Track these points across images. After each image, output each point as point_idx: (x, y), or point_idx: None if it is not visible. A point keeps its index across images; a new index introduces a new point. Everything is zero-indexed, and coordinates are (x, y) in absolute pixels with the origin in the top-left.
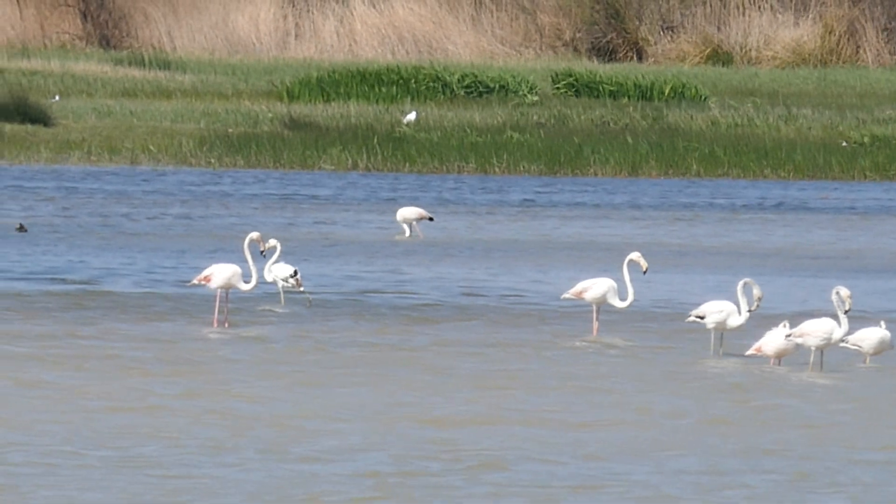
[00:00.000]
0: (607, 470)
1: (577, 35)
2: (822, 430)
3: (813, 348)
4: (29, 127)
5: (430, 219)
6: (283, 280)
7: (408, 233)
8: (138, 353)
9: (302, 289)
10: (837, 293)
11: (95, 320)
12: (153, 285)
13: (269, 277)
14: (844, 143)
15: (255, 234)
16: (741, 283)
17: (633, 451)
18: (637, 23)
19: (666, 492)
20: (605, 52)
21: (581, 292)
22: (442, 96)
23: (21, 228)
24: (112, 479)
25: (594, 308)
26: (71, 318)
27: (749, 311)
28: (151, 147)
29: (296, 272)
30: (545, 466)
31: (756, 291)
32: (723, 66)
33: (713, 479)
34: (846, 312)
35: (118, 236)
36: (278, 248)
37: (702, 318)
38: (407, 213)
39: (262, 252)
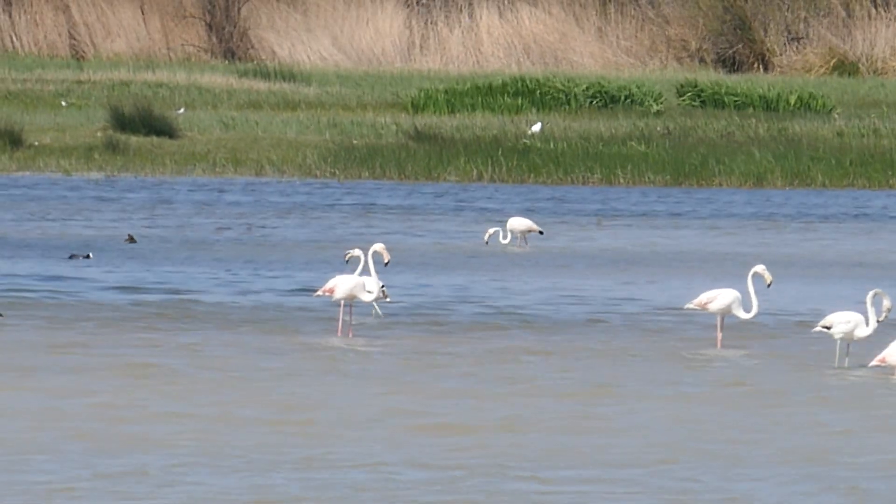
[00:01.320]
0: (747, 475)
1: (703, 46)
2: None
3: None
4: (154, 139)
5: (541, 232)
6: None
7: (507, 240)
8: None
9: (388, 299)
10: None
11: (221, 333)
12: (260, 296)
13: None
14: None
15: (378, 246)
16: (871, 293)
17: (781, 461)
18: (763, 33)
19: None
20: (731, 63)
21: (706, 303)
22: (567, 107)
23: (130, 239)
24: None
25: (718, 319)
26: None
27: (878, 321)
28: (275, 159)
29: (382, 286)
30: (686, 483)
31: (886, 302)
32: (848, 76)
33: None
34: None
35: (235, 247)
36: (362, 258)
37: (828, 328)
38: (517, 223)
39: (385, 263)
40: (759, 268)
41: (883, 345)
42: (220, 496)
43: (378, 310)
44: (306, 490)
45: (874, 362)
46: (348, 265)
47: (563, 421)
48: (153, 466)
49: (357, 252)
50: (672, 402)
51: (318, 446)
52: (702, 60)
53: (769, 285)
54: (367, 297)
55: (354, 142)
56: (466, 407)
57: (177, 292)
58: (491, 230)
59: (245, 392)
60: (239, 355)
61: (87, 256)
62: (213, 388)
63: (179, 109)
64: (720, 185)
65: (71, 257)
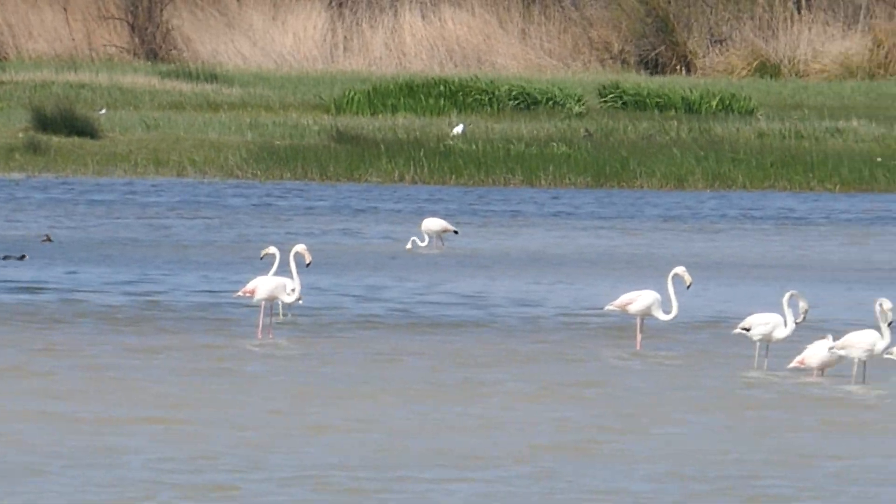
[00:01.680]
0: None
1: (626, 48)
2: (864, 439)
3: (856, 360)
4: (76, 140)
5: (455, 231)
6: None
7: (425, 243)
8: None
9: (301, 301)
10: (880, 305)
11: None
12: (188, 296)
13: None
14: (879, 159)
15: (300, 247)
16: (787, 294)
17: (674, 460)
18: (686, 35)
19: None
20: (654, 65)
21: (626, 304)
22: (489, 109)
23: (47, 239)
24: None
25: (638, 321)
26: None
27: (796, 322)
28: (197, 159)
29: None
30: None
31: (802, 304)
32: (771, 78)
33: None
34: (889, 325)
35: (151, 248)
36: (277, 257)
37: (748, 329)
38: (431, 224)
39: (307, 265)
40: (680, 269)
41: (802, 347)
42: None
43: (284, 310)
44: (161, 489)
45: (793, 364)
46: (262, 262)
47: (410, 422)
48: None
49: (272, 250)
50: (549, 400)
51: (187, 446)
52: (624, 62)
53: (689, 287)
54: (287, 299)
55: (276, 143)
56: (337, 407)
57: (74, 291)
58: (410, 242)
59: (120, 392)
60: (116, 354)
61: (22, 258)
62: (88, 389)
63: (101, 110)
64: (641, 186)
65: (5, 258)
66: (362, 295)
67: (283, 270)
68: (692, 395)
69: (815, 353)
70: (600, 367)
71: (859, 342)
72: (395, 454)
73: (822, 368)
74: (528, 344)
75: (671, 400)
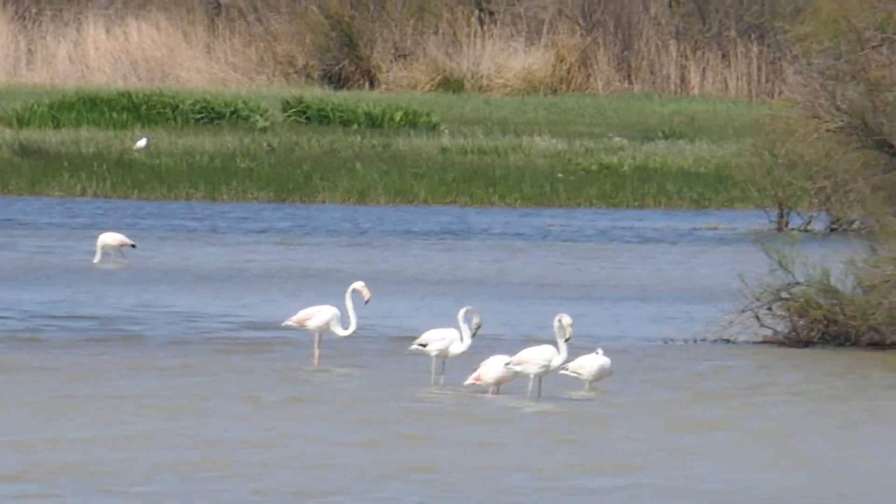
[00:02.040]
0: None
1: (310, 62)
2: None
3: (532, 376)
4: None
5: (133, 245)
6: None
7: (98, 258)
8: None
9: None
10: (559, 321)
11: None
12: None
13: None
14: (560, 174)
15: (358, 284)
16: (462, 310)
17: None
18: (370, 50)
19: None
20: (338, 80)
21: (304, 320)
22: (173, 122)
23: (270, 147)
24: None
25: (316, 336)
26: None
27: (472, 336)
28: None
29: None
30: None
31: (476, 319)
32: (454, 93)
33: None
34: (567, 340)
35: None
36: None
37: (424, 345)
38: (109, 238)
39: (366, 302)
40: (358, 284)
41: (478, 363)
42: None
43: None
44: None
45: (469, 380)
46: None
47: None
48: None
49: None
50: (189, 413)
51: None
52: (308, 76)
53: (367, 302)
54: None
55: None
56: None
57: None
58: (97, 254)
59: None
60: None
61: (271, 149)
62: None
63: None
64: (323, 201)
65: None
66: (31, 309)
67: None
68: (356, 407)
69: (491, 368)
70: (274, 378)
71: (535, 358)
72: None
73: (498, 384)
74: (173, 359)
75: (326, 413)
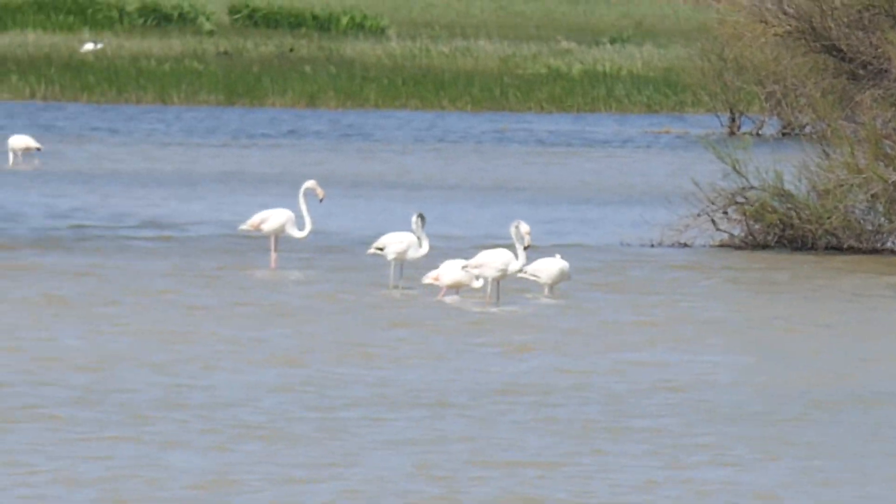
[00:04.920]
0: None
1: None
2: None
3: (489, 279)
4: None
5: (39, 149)
6: None
7: (11, 162)
8: None
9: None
10: (517, 227)
11: None
12: None
13: None
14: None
15: (310, 183)
16: (513, 225)
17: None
18: None
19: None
20: None
21: (259, 223)
22: (120, 26)
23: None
24: None
25: (272, 239)
26: None
27: (526, 248)
28: None
29: None
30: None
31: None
32: None
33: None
34: (526, 248)
35: None
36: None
37: (382, 249)
38: (16, 141)
39: (320, 200)
40: (311, 183)
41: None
42: None
43: None
44: None
45: (427, 279)
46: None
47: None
48: None
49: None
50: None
51: None
52: None
53: (321, 200)
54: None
55: None
56: None
57: None
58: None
59: None
60: None
61: (291, 50)
62: None
63: None
64: (273, 104)
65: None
66: None
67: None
68: (311, 305)
69: (449, 270)
70: (233, 284)
71: (492, 262)
72: None
73: (456, 287)
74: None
75: (291, 309)
